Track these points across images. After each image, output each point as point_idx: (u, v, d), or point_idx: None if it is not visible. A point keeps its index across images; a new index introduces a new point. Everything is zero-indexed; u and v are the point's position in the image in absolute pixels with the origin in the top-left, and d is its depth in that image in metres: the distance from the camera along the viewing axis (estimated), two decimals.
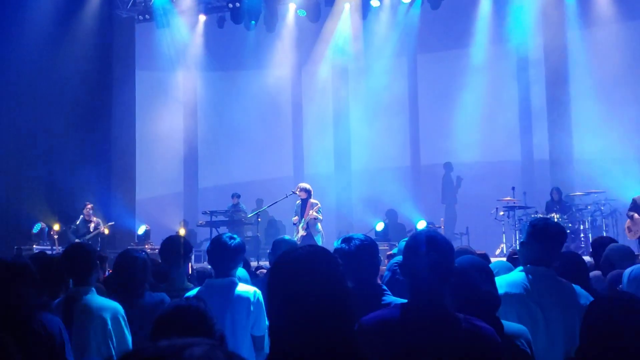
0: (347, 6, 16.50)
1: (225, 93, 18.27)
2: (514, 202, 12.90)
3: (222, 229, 13.52)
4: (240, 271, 4.40)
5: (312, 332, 1.83)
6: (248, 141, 18.06)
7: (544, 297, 3.38)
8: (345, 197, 16.38)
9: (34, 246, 12.39)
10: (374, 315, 2.59)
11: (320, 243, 10.54)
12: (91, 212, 13.26)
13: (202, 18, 17.43)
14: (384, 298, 3.35)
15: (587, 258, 5.83)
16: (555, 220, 11.08)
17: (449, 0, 15.22)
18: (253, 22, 16.47)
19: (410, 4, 16.04)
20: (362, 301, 2.90)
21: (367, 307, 2.69)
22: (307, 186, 11.73)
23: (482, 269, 2.93)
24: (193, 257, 8.05)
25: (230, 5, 15.93)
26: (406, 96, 17.70)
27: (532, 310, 3.34)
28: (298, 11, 16.76)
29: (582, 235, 12.50)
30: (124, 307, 3.89)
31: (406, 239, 3.38)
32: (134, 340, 3.85)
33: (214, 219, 14.44)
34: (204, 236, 15.34)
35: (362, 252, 3.42)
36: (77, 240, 11.78)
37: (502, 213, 13.00)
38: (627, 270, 3.80)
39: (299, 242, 9.23)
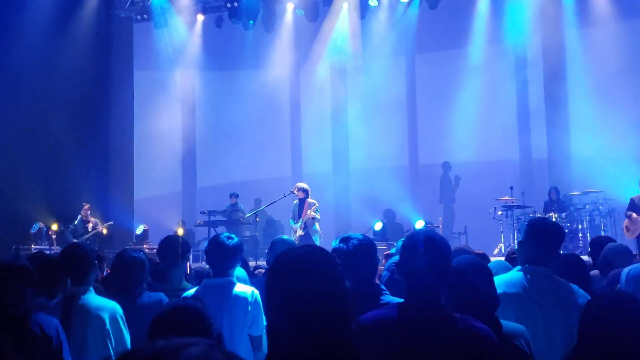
0: (345, 6, 16.50)
1: (224, 93, 18.25)
2: (512, 202, 12.91)
3: (221, 229, 13.53)
4: (240, 271, 4.41)
5: (310, 332, 1.82)
6: (246, 141, 18.05)
7: (543, 297, 3.38)
8: (343, 197, 16.38)
9: (32, 246, 12.38)
10: (371, 314, 2.59)
11: (318, 243, 10.55)
12: (88, 212, 13.26)
13: (200, 18, 17.42)
14: (382, 298, 3.35)
15: (585, 257, 5.84)
16: (554, 219, 11.09)
17: None
18: (251, 21, 16.46)
19: (408, 3, 16.03)
20: (361, 301, 2.90)
21: (365, 306, 2.69)
22: (305, 186, 11.73)
23: (481, 269, 2.94)
24: (191, 256, 8.05)
25: (229, 5, 15.93)
26: (404, 96, 17.69)
27: (530, 310, 3.34)
28: (296, 11, 16.75)
29: (580, 234, 12.50)
30: (122, 307, 3.89)
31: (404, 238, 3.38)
32: (132, 340, 3.85)
33: (212, 218, 14.46)
34: (202, 236, 15.35)
35: (361, 251, 3.42)
36: (75, 240, 11.78)
37: (500, 213, 13.00)
38: (625, 270, 3.81)
39: (296, 242, 9.22)
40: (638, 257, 8.12)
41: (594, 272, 4.82)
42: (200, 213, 14.98)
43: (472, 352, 2.41)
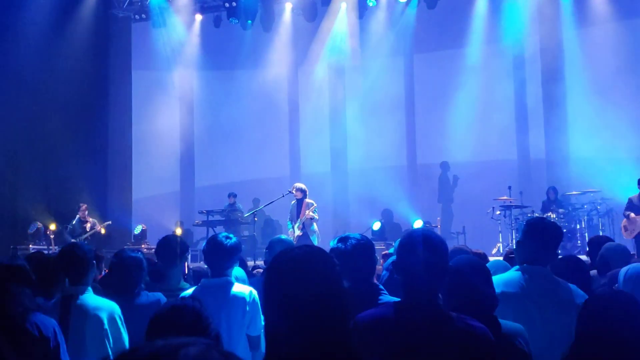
0: (343, 5, 16.49)
1: (222, 92, 18.24)
2: (511, 202, 12.91)
3: (219, 229, 13.53)
4: (238, 271, 4.40)
5: (308, 332, 1.82)
6: (244, 140, 18.06)
7: (541, 297, 3.38)
8: (341, 197, 16.37)
9: (30, 246, 12.36)
10: (368, 312, 2.59)
11: (316, 243, 10.54)
12: (86, 212, 13.25)
13: (199, 17, 17.41)
14: (380, 297, 3.35)
15: (583, 257, 5.85)
16: (552, 219, 11.10)
17: None
18: (249, 21, 16.46)
19: (407, 3, 16.03)
20: (359, 301, 2.91)
21: (363, 306, 2.69)
22: (303, 186, 11.73)
23: (479, 269, 2.94)
24: (189, 256, 8.04)
25: (227, 5, 15.92)
26: (402, 95, 17.70)
27: (529, 310, 3.34)
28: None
29: (578, 234, 12.52)
30: (120, 307, 3.88)
31: None
32: (130, 340, 3.85)
33: (210, 218, 14.45)
34: (200, 236, 15.34)
35: (359, 251, 3.41)
36: (73, 240, 11.77)
37: (498, 212, 13.01)
38: (623, 270, 3.81)
39: (295, 242, 9.22)
40: (636, 256, 8.14)
41: (592, 272, 4.82)
42: (199, 213, 14.98)
43: (469, 351, 2.41)
